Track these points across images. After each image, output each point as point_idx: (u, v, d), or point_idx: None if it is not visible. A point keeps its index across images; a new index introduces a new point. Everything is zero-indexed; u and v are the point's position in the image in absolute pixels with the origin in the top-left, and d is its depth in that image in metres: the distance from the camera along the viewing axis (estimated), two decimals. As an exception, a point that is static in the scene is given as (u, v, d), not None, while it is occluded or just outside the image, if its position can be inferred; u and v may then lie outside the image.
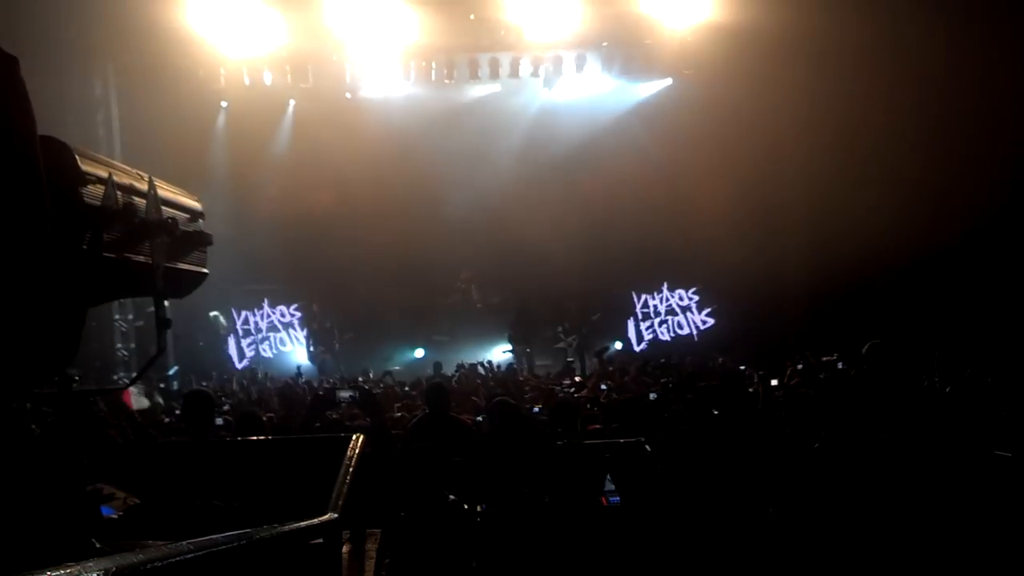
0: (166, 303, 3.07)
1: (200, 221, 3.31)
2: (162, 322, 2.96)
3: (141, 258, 2.83)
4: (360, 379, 15.89)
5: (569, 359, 19.04)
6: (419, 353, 20.70)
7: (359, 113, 21.07)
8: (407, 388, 13.18)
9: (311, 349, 20.28)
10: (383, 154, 20.63)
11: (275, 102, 21.10)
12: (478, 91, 21.46)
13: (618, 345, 20.75)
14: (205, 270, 3.33)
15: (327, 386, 12.18)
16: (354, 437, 3.44)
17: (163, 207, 3.01)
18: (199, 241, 3.18)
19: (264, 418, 8.19)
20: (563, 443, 6.20)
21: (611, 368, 14.17)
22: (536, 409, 8.55)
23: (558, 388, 10.91)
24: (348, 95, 21.09)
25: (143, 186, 2.93)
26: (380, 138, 20.74)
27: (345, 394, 5.95)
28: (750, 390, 9.45)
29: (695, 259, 20.42)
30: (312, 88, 20.43)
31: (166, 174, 3.16)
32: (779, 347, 16.98)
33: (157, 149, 16.46)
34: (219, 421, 8.22)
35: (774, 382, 9.94)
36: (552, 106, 21.77)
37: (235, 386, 15.64)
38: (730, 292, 20.32)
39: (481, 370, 15.52)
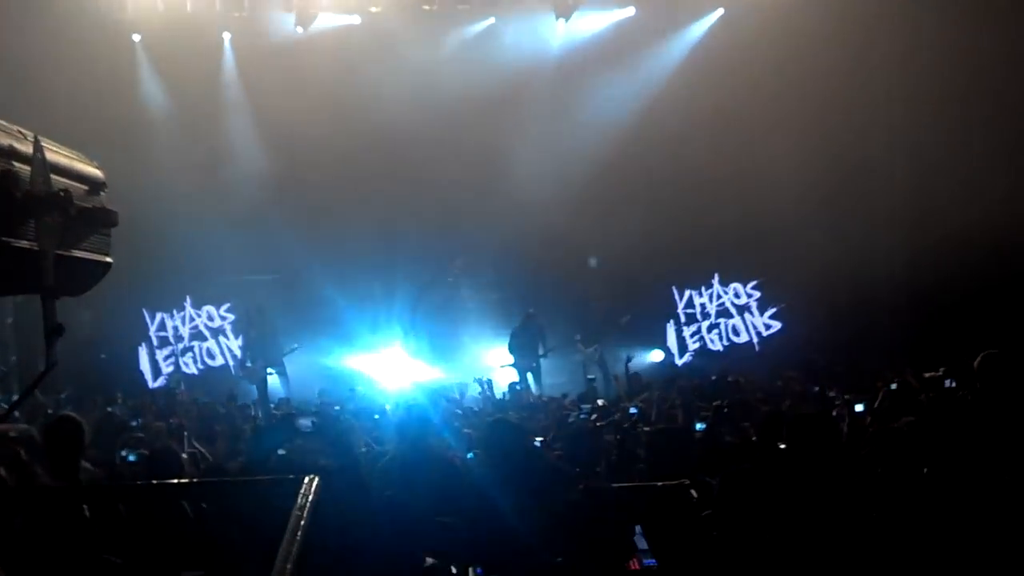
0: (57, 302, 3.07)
1: (102, 194, 3.31)
2: (53, 328, 2.96)
3: (24, 243, 2.83)
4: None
5: (590, 376, 19.05)
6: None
7: (314, 52, 21.06)
8: (376, 416, 13.22)
9: (248, 364, 20.25)
10: (347, 106, 20.64)
11: (204, 37, 21.09)
12: (471, 24, 21.51)
13: (655, 356, 20.72)
14: (109, 259, 3.33)
15: (280, 411, 12.20)
16: (306, 480, 3.43)
17: (53, 176, 3.00)
18: (101, 220, 3.18)
19: (186, 454, 8.19)
20: (583, 487, 6.21)
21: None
22: (538, 442, 8.55)
23: (574, 413, 10.92)
24: (299, 29, 21.07)
25: (26, 148, 2.92)
26: (342, 85, 20.74)
27: (304, 421, 6.00)
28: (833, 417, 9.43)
29: (756, 243, 20.36)
30: (249, 18, 20.42)
31: (57, 132, 3.16)
32: (868, 360, 16.99)
33: (47, 100, 16.43)
34: (130, 457, 8.23)
35: (859, 407, 9.92)
36: (568, 45, 21.77)
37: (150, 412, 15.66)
38: (802, 287, 20.25)
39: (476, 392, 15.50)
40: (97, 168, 3.29)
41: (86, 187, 3.19)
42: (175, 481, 3.66)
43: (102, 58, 19.92)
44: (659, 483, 6.65)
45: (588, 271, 21.49)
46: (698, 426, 9.15)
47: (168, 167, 20.50)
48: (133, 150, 19.28)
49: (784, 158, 20.00)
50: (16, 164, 2.82)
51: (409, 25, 21.07)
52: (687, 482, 6.51)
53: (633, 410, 11.68)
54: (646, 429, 10.49)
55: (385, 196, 20.80)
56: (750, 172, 20.40)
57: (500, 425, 7.44)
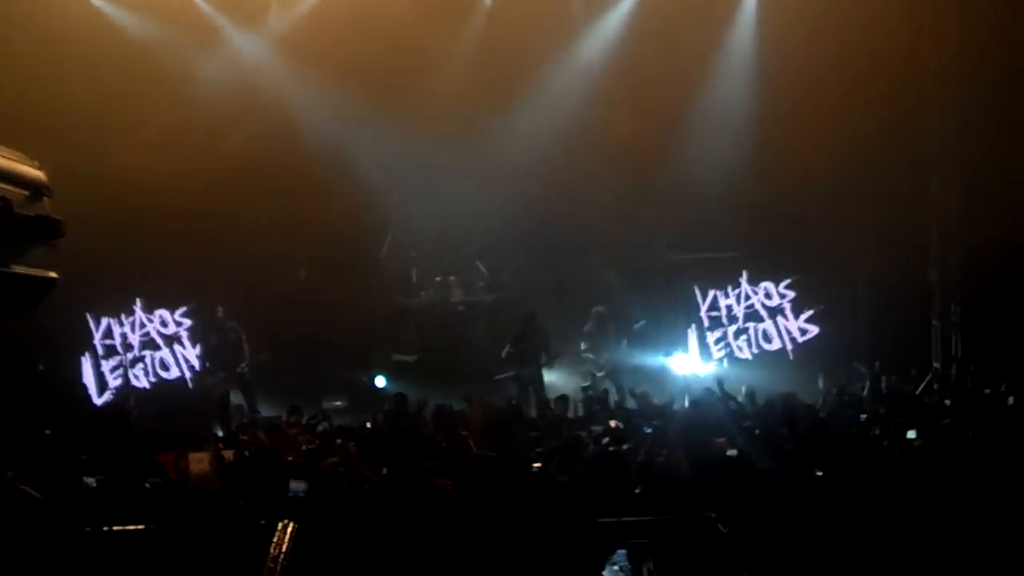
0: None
1: (44, 200, 3.30)
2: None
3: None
4: (288, 417, 15.87)
5: (599, 386, 19.07)
6: (380, 382, 20.70)
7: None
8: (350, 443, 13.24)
9: (207, 379, 20.15)
10: (312, 69, 20.68)
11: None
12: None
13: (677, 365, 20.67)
14: (53, 274, 3.32)
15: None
16: (279, 527, 3.40)
17: (-11, 181, 3.00)
18: (44, 231, 3.17)
19: (148, 484, 8.21)
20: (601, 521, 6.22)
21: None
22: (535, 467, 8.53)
23: (584, 435, 10.91)
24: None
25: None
26: (305, 41, 20.77)
27: (297, 486, 6.03)
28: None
29: (791, 234, 20.37)
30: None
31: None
32: (919, 372, 17.06)
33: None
34: (91, 482, 8.27)
35: (911, 434, 9.91)
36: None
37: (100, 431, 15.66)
38: (844, 286, 20.27)
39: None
40: (39, 170, 3.28)
41: (27, 192, 3.18)
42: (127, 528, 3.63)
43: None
44: (681, 517, 6.66)
45: (596, 268, 21.45)
46: (730, 452, 9.15)
47: (114, 149, 20.48)
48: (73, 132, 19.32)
49: (825, 135, 20.02)
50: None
51: None
52: (713, 515, 6.53)
53: (647, 429, 11.71)
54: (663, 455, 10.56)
55: (356, 182, 20.83)
56: (786, 151, 20.37)
57: (476, 461, 7.44)
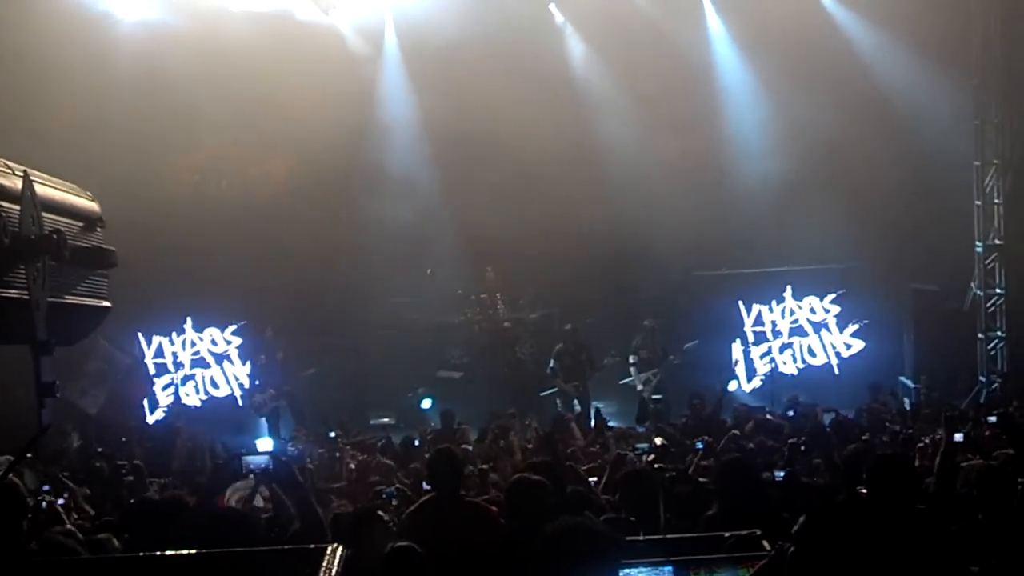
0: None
1: (98, 230, 3.33)
2: (45, 387, 2.96)
3: (12, 293, 2.86)
4: (337, 433, 15.90)
5: (654, 401, 19.07)
6: (426, 403, 20.69)
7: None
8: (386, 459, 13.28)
9: (256, 396, 20.22)
10: (353, 86, 21.03)
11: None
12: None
13: (733, 386, 20.51)
14: (107, 303, 3.35)
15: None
16: (328, 551, 3.38)
17: (44, 214, 3.03)
18: (97, 261, 3.19)
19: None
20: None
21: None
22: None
23: (631, 454, 10.83)
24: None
25: (14, 184, 2.95)
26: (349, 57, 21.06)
27: (257, 460, 5.99)
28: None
29: (833, 246, 20.26)
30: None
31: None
32: (965, 384, 16.93)
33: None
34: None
35: (958, 436, 9.76)
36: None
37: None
38: (890, 298, 20.16)
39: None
40: (93, 201, 3.32)
41: (81, 224, 3.22)
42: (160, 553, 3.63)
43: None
44: (726, 534, 6.60)
45: (643, 283, 21.42)
46: (779, 474, 9.09)
47: (166, 172, 20.76)
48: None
49: (866, 148, 20.01)
50: (2, 203, 2.85)
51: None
52: (758, 532, 6.46)
53: (699, 444, 11.65)
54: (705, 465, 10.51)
55: (398, 198, 20.96)
56: (830, 166, 20.37)
57: (521, 483, 7.42)
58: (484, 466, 11.48)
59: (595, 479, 10.06)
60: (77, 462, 14.91)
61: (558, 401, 19.79)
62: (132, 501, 8.14)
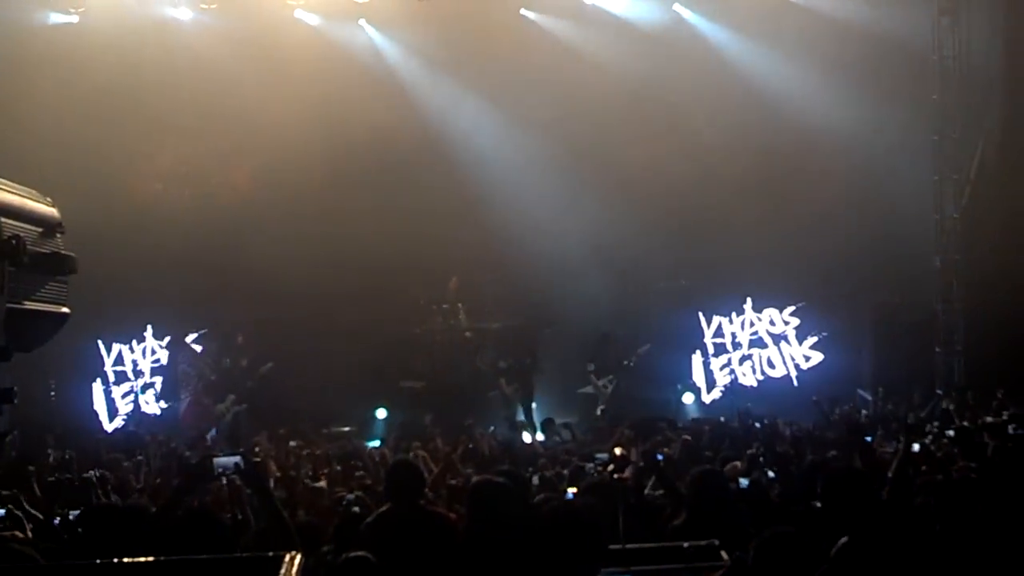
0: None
1: (57, 236, 3.32)
2: (3, 394, 2.95)
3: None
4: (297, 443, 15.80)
5: (602, 409, 19.12)
6: (380, 414, 20.63)
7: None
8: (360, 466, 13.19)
9: (218, 405, 20.06)
10: (321, 96, 20.75)
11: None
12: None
13: (689, 398, 20.59)
14: (65, 309, 3.33)
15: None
16: (287, 559, 3.36)
17: (2, 219, 3.01)
18: (57, 268, 3.18)
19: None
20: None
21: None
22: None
23: (589, 466, 10.85)
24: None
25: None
26: (314, 65, 20.95)
27: (226, 460, 6.00)
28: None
29: (793, 258, 20.40)
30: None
31: None
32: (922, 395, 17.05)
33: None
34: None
35: (915, 447, 9.84)
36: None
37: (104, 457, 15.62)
38: (849, 311, 20.28)
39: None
40: (52, 207, 3.30)
41: (40, 229, 3.20)
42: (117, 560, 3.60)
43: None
44: (686, 544, 6.62)
45: (599, 295, 21.48)
46: (744, 481, 9.13)
47: (129, 179, 20.64)
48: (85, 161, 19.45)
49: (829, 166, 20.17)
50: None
51: None
52: (717, 542, 6.48)
53: (659, 456, 11.66)
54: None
55: (362, 207, 20.94)
56: (788, 179, 20.47)
57: (481, 486, 7.37)
58: (453, 481, 11.44)
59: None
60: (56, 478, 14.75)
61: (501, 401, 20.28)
62: (87, 508, 8.05)
